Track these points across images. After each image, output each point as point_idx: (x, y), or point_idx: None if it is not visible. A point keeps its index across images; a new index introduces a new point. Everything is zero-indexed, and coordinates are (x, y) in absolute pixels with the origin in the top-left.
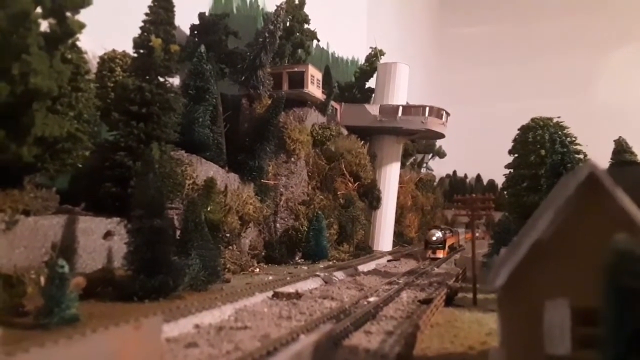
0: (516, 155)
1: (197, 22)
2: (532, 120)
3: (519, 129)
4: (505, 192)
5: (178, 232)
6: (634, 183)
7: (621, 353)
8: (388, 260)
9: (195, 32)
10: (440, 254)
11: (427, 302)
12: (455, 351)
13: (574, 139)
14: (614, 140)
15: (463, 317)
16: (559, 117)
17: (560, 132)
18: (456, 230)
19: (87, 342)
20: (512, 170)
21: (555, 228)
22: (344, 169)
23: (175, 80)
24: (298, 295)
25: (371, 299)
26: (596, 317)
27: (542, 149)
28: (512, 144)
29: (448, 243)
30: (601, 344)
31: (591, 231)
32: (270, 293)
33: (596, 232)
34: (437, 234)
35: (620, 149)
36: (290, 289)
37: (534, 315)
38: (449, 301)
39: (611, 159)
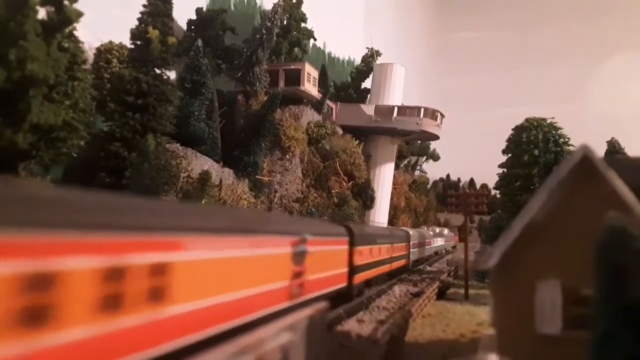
0: (510, 154)
1: (194, 17)
2: (527, 120)
3: (513, 129)
4: (498, 192)
5: None
6: (625, 170)
7: (611, 328)
8: None
9: (193, 27)
10: None
11: (419, 295)
12: (447, 338)
13: (567, 139)
14: (607, 142)
15: (455, 309)
16: (552, 117)
17: (554, 132)
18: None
19: None
20: (505, 170)
21: (548, 209)
22: (339, 168)
23: (172, 75)
24: None
25: None
26: (587, 297)
27: (535, 149)
28: (506, 143)
29: None
30: (592, 319)
31: (583, 213)
32: None
33: (588, 213)
34: None
35: (613, 150)
36: None
37: (526, 295)
38: (441, 295)
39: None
